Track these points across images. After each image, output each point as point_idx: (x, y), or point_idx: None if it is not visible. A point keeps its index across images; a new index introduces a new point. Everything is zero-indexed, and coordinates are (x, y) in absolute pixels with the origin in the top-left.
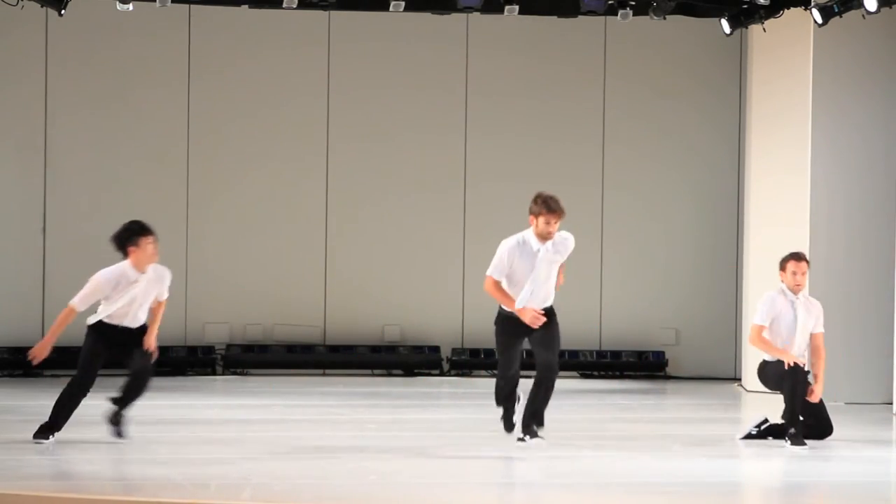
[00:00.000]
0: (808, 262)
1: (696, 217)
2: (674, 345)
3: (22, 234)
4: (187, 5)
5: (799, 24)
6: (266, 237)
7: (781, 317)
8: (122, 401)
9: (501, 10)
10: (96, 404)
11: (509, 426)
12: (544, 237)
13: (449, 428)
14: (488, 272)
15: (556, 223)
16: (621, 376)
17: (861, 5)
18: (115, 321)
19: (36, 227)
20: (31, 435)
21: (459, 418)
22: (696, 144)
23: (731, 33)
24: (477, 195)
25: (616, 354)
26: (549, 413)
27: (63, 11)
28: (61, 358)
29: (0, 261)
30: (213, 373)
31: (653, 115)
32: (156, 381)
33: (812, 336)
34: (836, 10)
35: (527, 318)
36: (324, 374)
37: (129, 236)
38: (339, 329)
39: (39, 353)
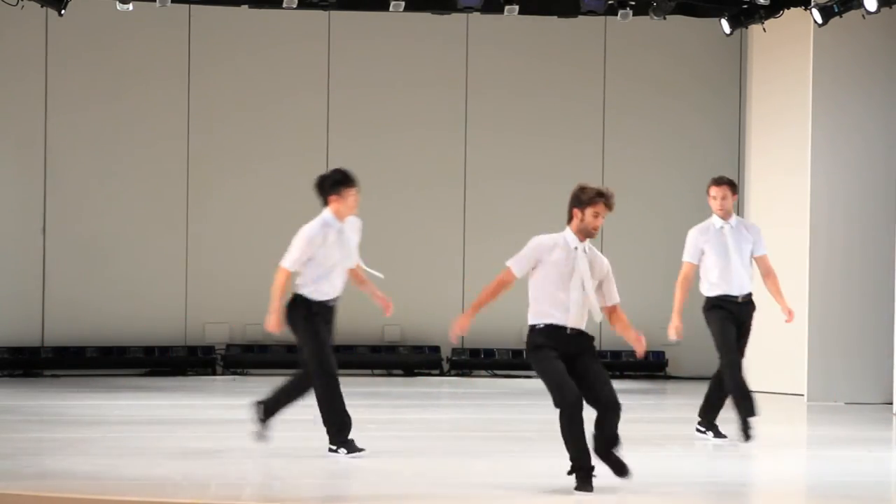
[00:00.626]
0: (730, 185)
1: (696, 216)
2: (674, 345)
3: (22, 234)
4: (187, 5)
5: (799, 24)
6: (266, 236)
7: (711, 246)
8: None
9: (501, 10)
10: (96, 404)
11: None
12: (586, 233)
13: (449, 428)
14: (508, 262)
15: (603, 218)
16: (621, 376)
17: (861, 5)
18: (318, 296)
19: (36, 227)
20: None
21: (459, 418)
22: (696, 143)
23: (731, 33)
24: (477, 194)
25: (616, 354)
26: (550, 412)
27: (63, 11)
28: (61, 358)
29: (0, 261)
30: (213, 373)
31: (653, 113)
32: (156, 381)
33: (757, 260)
34: (836, 10)
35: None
36: None
37: (333, 185)
38: (338, 329)
39: (275, 325)
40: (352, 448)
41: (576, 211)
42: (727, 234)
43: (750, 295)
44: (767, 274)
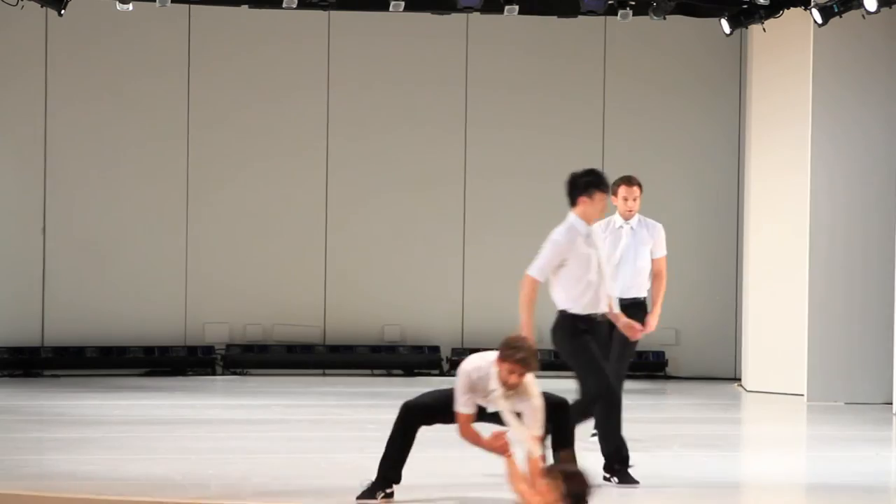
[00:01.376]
0: (640, 186)
1: (696, 216)
2: (674, 345)
3: (22, 234)
4: (187, 5)
5: (799, 24)
6: (266, 236)
7: (607, 242)
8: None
9: (501, 11)
10: (96, 404)
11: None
12: (505, 385)
13: (448, 428)
14: (458, 407)
15: (519, 378)
16: None
17: (861, 5)
18: (580, 309)
19: (36, 227)
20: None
21: None
22: (696, 142)
23: (731, 33)
24: (477, 193)
25: None
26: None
27: (63, 11)
28: (61, 358)
29: (0, 261)
30: (213, 373)
31: (653, 112)
32: (156, 381)
33: (654, 261)
34: (836, 10)
35: None
36: (324, 374)
37: (585, 185)
38: (339, 329)
39: (530, 333)
40: (624, 478)
41: (498, 359)
42: (625, 235)
43: (636, 300)
44: (657, 276)
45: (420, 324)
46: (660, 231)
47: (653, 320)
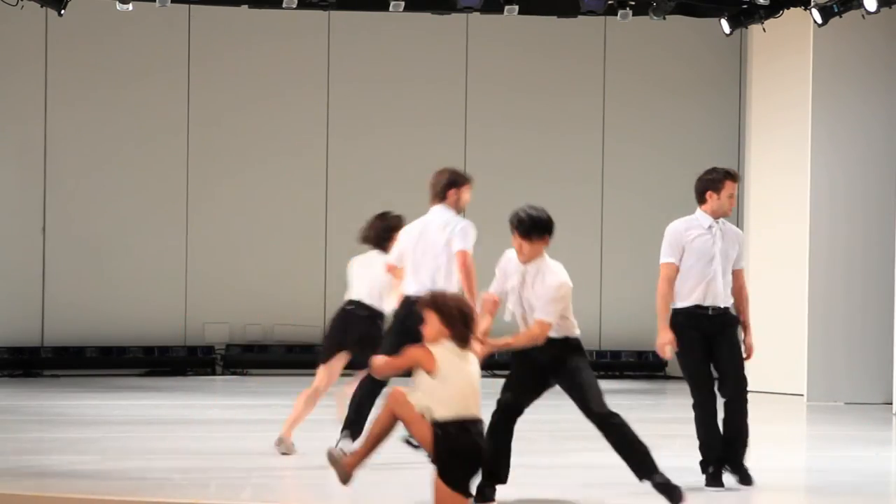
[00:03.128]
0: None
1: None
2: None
3: (22, 234)
4: (187, 5)
5: (799, 24)
6: (266, 236)
7: (694, 248)
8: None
9: (501, 11)
10: (96, 404)
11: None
12: None
13: None
14: None
15: None
16: (621, 376)
17: (861, 5)
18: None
19: (36, 227)
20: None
21: None
22: (696, 142)
23: (731, 33)
24: (477, 193)
25: (616, 354)
26: (548, 413)
27: (63, 11)
28: (61, 358)
29: (0, 261)
30: (213, 373)
31: (653, 111)
32: (156, 381)
33: (734, 273)
34: (836, 10)
35: None
36: None
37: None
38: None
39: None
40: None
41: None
42: (717, 234)
43: (730, 311)
44: (740, 293)
45: None
46: (742, 238)
47: (752, 343)
